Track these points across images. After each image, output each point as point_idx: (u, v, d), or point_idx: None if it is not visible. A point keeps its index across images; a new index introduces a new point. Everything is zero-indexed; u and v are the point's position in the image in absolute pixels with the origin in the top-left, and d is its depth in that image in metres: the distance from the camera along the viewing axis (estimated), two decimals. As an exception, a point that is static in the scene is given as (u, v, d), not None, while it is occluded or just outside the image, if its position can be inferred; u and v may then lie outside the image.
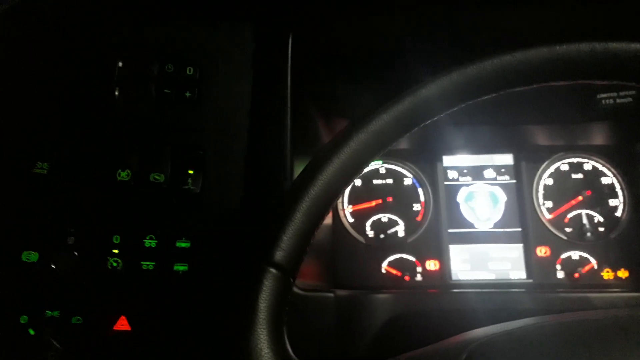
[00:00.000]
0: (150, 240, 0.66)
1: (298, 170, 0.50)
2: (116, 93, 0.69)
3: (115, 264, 0.65)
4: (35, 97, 0.70)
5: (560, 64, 0.47)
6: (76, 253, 0.65)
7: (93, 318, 0.64)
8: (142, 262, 0.66)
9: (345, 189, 0.49)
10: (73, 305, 0.64)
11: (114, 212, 0.67)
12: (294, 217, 0.43)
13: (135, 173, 0.67)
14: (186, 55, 0.72)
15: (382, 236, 1.00)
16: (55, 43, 0.71)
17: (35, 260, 0.64)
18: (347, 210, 1.02)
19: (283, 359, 0.40)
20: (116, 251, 0.66)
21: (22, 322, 0.63)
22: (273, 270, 0.42)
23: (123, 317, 0.64)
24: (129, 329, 0.64)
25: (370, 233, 1.01)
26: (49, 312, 0.64)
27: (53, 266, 0.64)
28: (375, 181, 1.04)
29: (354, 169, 0.47)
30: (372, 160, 0.48)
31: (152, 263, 0.66)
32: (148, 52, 0.71)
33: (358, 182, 1.04)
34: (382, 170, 1.04)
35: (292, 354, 0.42)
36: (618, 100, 0.89)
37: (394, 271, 0.98)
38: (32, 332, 0.63)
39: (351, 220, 1.02)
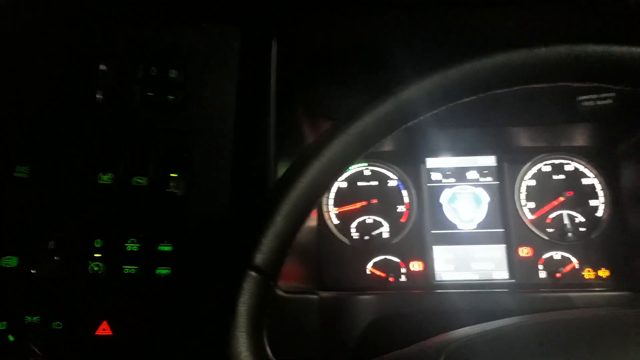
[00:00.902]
0: (132, 244, 0.66)
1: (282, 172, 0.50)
2: (99, 96, 0.69)
3: (97, 268, 0.64)
4: (15, 100, 0.69)
5: (541, 67, 0.48)
6: (57, 257, 0.64)
7: (74, 323, 0.63)
8: (124, 266, 0.65)
9: (326, 192, 0.49)
10: (53, 310, 0.63)
11: (95, 216, 0.66)
12: (274, 220, 0.43)
13: (117, 176, 0.66)
14: (170, 58, 0.71)
15: (366, 237, 1.01)
16: (37, 45, 0.71)
17: (15, 265, 0.64)
18: (332, 212, 1.02)
19: (263, 363, 0.40)
20: (98, 255, 0.65)
21: (2, 328, 0.62)
22: (253, 273, 0.41)
23: (105, 322, 0.64)
24: (111, 333, 0.63)
25: (355, 235, 1.01)
26: (29, 317, 0.63)
27: (33, 271, 0.63)
28: (360, 183, 1.04)
29: (335, 171, 0.47)
30: (354, 163, 0.48)
31: (135, 267, 0.65)
32: (132, 54, 0.70)
33: (343, 184, 1.04)
34: (367, 172, 1.05)
35: (271, 357, 0.42)
36: (598, 102, 0.90)
37: (378, 272, 0.99)
38: (11, 338, 0.62)
39: (336, 222, 1.02)
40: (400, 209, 1.03)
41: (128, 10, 0.73)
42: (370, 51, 0.84)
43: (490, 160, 1.04)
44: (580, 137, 1.01)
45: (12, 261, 0.64)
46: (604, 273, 0.97)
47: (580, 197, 1.01)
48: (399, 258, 1.00)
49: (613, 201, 1.00)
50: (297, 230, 0.45)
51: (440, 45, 0.80)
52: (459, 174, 1.04)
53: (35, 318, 0.63)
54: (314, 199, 0.46)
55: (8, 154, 0.67)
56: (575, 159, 1.03)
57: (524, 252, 0.99)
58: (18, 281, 0.63)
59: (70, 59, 0.70)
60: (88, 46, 0.70)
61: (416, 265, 0.99)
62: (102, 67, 0.69)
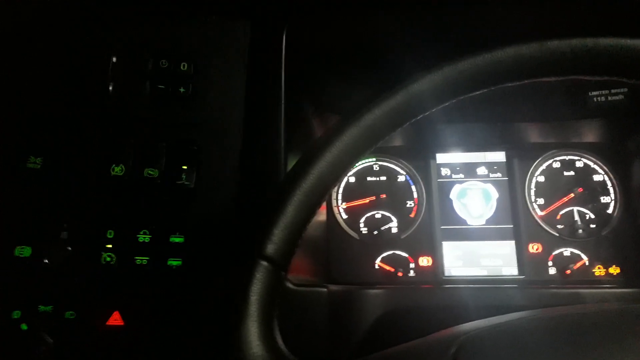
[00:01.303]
0: (144, 235, 0.66)
1: (292, 165, 0.50)
2: (110, 88, 0.69)
3: (108, 259, 0.65)
4: (28, 92, 0.70)
5: (552, 60, 0.47)
6: (69, 248, 0.65)
7: (86, 313, 0.64)
8: (136, 257, 0.66)
9: (337, 183, 0.49)
10: (66, 300, 0.64)
11: (107, 207, 0.67)
12: (285, 210, 0.43)
13: (129, 168, 0.67)
14: (180, 51, 0.72)
15: (375, 232, 1.01)
16: (49, 38, 0.71)
17: (28, 255, 0.64)
18: (341, 207, 1.03)
19: (273, 352, 0.41)
20: (110, 246, 0.66)
21: (15, 317, 0.63)
22: (264, 263, 0.42)
23: (116, 312, 0.65)
24: (122, 323, 0.64)
25: (364, 229, 1.02)
26: (42, 306, 0.64)
27: (46, 261, 0.64)
28: (369, 178, 1.04)
29: (346, 163, 0.47)
30: (364, 155, 0.48)
31: (146, 258, 0.66)
32: (142, 47, 0.71)
33: (352, 179, 1.04)
34: (376, 167, 1.05)
35: (283, 346, 0.42)
36: (610, 98, 0.89)
37: (387, 267, 0.99)
38: (24, 327, 0.63)
39: (345, 216, 1.02)
40: (410, 204, 1.03)
41: (139, 3, 0.74)
42: (380, 46, 0.84)
43: (499, 156, 1.04)
44: (590, 133, 1.00)
45: (25, 251, 0.64)
46: (614, 270, 0.97)
47: (591, 193, 1.00)
48: (407, 253, 1.00)
49: (624, 198, 0.99)
50: (308, 222, 0.46)
51: (451, 40, 0.80)
52: (469, 170, 1.03)
53: (48, 307, 0.64)
54: (325, 191, 0.46)
55: (21, 145, 0.68)
56: (585, 156, 1.02)
57: (534, 248, 0.98)
58: (31, 271, 0.64)
59: (82, 52, 0.71)
60: (100, 39, 0.71)
61: (425, 261, 0.99)
62: (114, 59, 0.70)
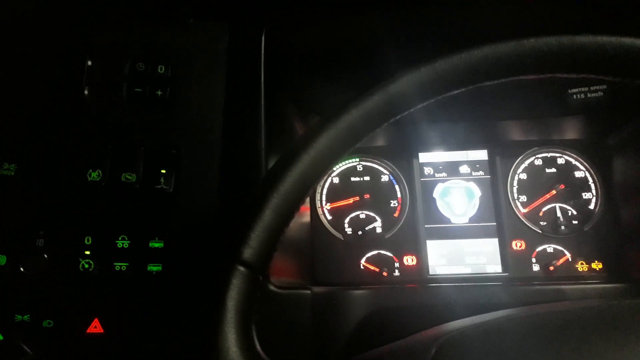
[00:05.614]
0: (123, 241, 0.65)
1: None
2: (86, 92, 0.68)
3: (87, 266, 0.64)
4: (1, 96, 0.69)
5: (528, 58, 0.47)
6: (46, 255, 0.64)
7: (65, 321, 0.63)
8: (115, 263, 0.65)
9: (316, 185, 0.49)
10: (44, 308, 0.63)
11: (85, 213, 0.66)
12: (262, 214, 0.42)
13: (106, 173, 0.66)
14: (158, 54, 0.71)
15: (360, 233, 1.00)
16: (23, 41, 0.70)
17: (3, 264, 0.63)
18: (325, 208, 1.02)
19: (251, 358, 0.40)
20: (88, 252, 0.65)
21: (-9, 327, 0.62)
22: (241, 268, 0.41)
23: (96, 320, 0.64)
24: (102, 331, 0.63)
25: (349, 230, 1.01)
26: (19, 316, 0.63)
27: (22, 269, 0.63)
28: (352, 178, 1.04)
29: (325, 165, 0.46)
30: (343, 157, 0.48)
31: (125, 264, 0.65)
32: (119, 50, 0.70)
33: (336, 179, 1.04)
34: (359, 168, 1.05)
35: (261, 352, 0.42)
36: (589, 95, 0.90)
37: (372, 267, 0.99)
38: (1, 337, 0.62)
39: (329, 217, 1.02)
40: (393, 203, 1.02)
41: (115, 5, 0.72)
42: (361, 46, 0.83)
43: (482, 155, 1.04)
44: (571, 130, 1.01)
45: (0, 260, 0.63)
46: (597, 265, 0.98)
47: (573, 190, 1.01)
48: (392, 253, 1.00)
49: (605, 194, 1.00)
50: (287, 225, 0.45)
51: (431, 39, 0.80)
52: (451, 168, 1.04)
53: (25, 316, 0.62)
54: (303, 193, 0.46)
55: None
56: (567, 152, 1.03)
57: (517, 245, 0.99)
58: (7, 280, 0.63)
59: (56, 55, 0.69)
60: (74, 42, 0.70)
61: (410, 260, 0.99)
62: (89, 62, 0.69)
